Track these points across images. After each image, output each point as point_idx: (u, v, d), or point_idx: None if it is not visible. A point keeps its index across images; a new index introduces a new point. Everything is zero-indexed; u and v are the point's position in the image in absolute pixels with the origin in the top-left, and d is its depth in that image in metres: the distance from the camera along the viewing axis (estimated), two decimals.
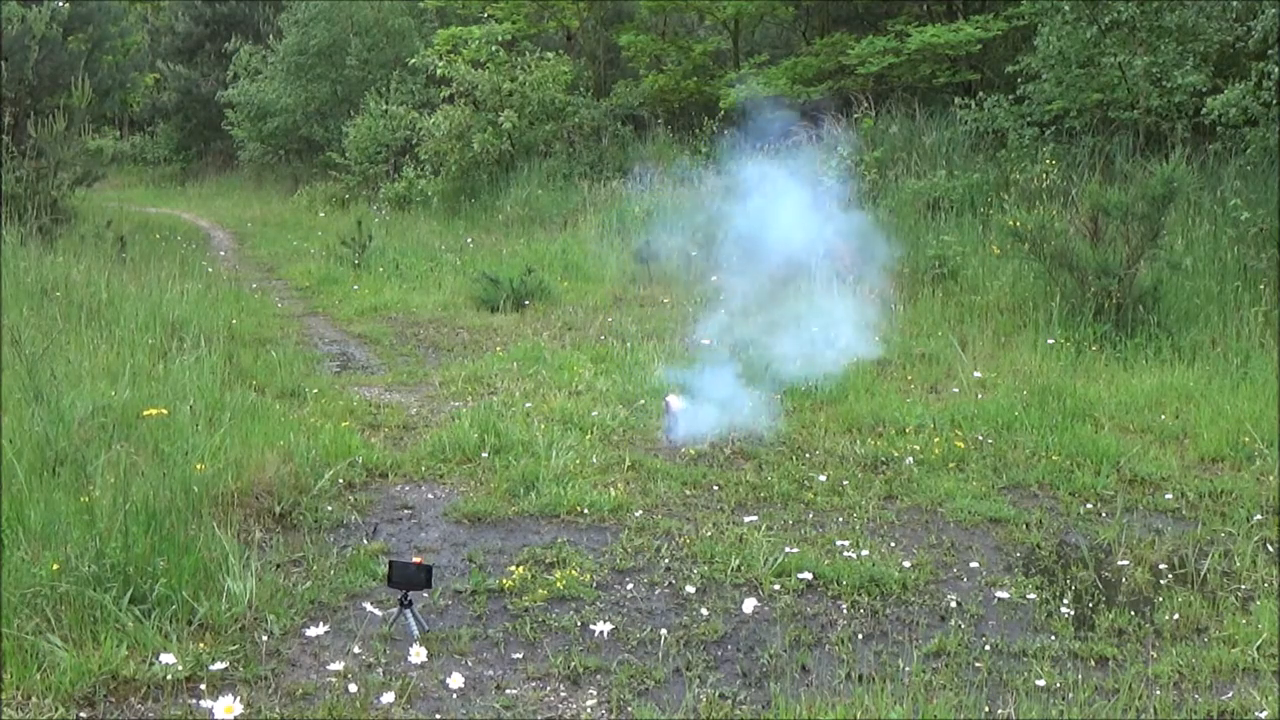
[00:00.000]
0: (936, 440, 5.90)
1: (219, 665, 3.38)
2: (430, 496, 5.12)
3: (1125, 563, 4.44)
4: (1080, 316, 8.17)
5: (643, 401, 6.54)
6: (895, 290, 9.40)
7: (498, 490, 5.10)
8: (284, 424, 5.59)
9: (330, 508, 4.85)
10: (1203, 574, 4.30)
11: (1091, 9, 11.28)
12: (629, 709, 3.30)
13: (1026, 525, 4.87)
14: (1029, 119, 12.51)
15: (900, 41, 14.67)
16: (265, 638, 3.59)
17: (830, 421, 6.30)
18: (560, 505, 4.90)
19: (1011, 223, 9.07)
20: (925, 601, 4.09)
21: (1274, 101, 9.92)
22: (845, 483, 5.35)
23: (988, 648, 3.70)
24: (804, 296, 9.04)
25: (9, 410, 4.90)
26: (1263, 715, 3.27)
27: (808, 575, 4.21)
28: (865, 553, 4.43)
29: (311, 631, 3.61)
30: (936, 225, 11.39)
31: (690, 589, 4.12)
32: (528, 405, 6.48)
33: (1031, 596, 4.11)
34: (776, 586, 4.15)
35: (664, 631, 3.76)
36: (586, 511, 4.87)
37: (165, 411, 5.01)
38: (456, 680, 3.32)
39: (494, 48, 17.90)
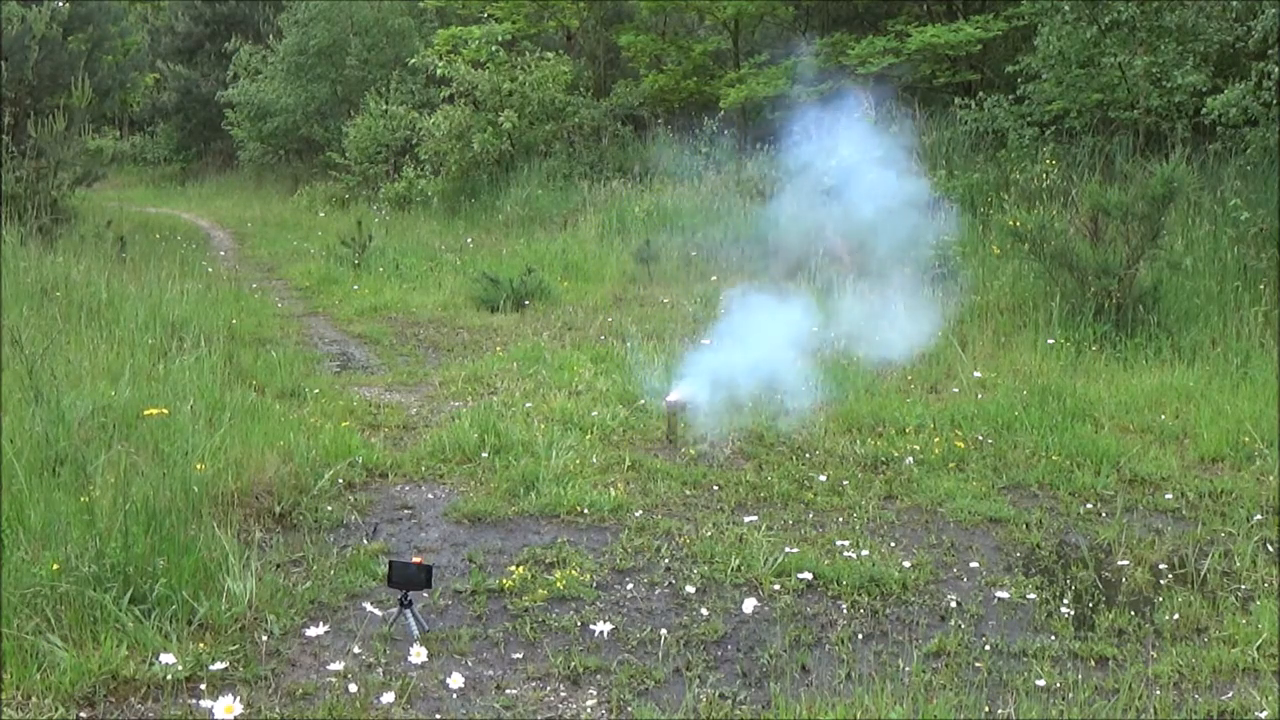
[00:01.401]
0: (936, 440, 5.90)
1: (219, 665, 3.37)
2: (430, 496, 5.12)
3: (1125, 563, 4.44)
4: (1080, 316, 8.18)
5: (643, 401, 6.54)
6: (896, 289, 9.40)
7: (498, 490, 5.10)
8: (284, 424, 5.59)
9: (330, 508, 4.84)
10: (1203, 574, 4.30)
11: (1091, 9, 11.28)
12: (629, 709, 3.30)
13: (1026, 525, 4.87)
14: (1029, 119, 12.51)
15: (900, 41, 14.67)
16: (265, 638, 3.59)
17: (830, 421, 6.30)
18: (560, 505, 4.90)
19: (1011, 223, 9.07)
20: (925, 601, 4.08)
21: (1274, 101, 9.92)
22: (845, 483, 5.35)
23: (988, 648, 3.70)
24: (804, 295, 9.04)
25: (9, 410, 4.90)
26: (1263, 715, 3.27)
27: (808, 575, 4.21)
28: (865, 553, 4.43)
29: (311, 631, 3.60)
30: (936, 225, 11.39)
31: (690, 589, 4.12)
32: (528, 405, 6.48)
33: (1031, 596, 4.11)
34: (776, 586, 4.15)
35: (664, 631, 3.76)
36: (586, 511, 4.87)
37: (165, 411, 5.01)
38: (456, 680, 3.32)
39: (494, 48, 17.91)
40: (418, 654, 3.30)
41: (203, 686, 3.29)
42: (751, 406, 6.40)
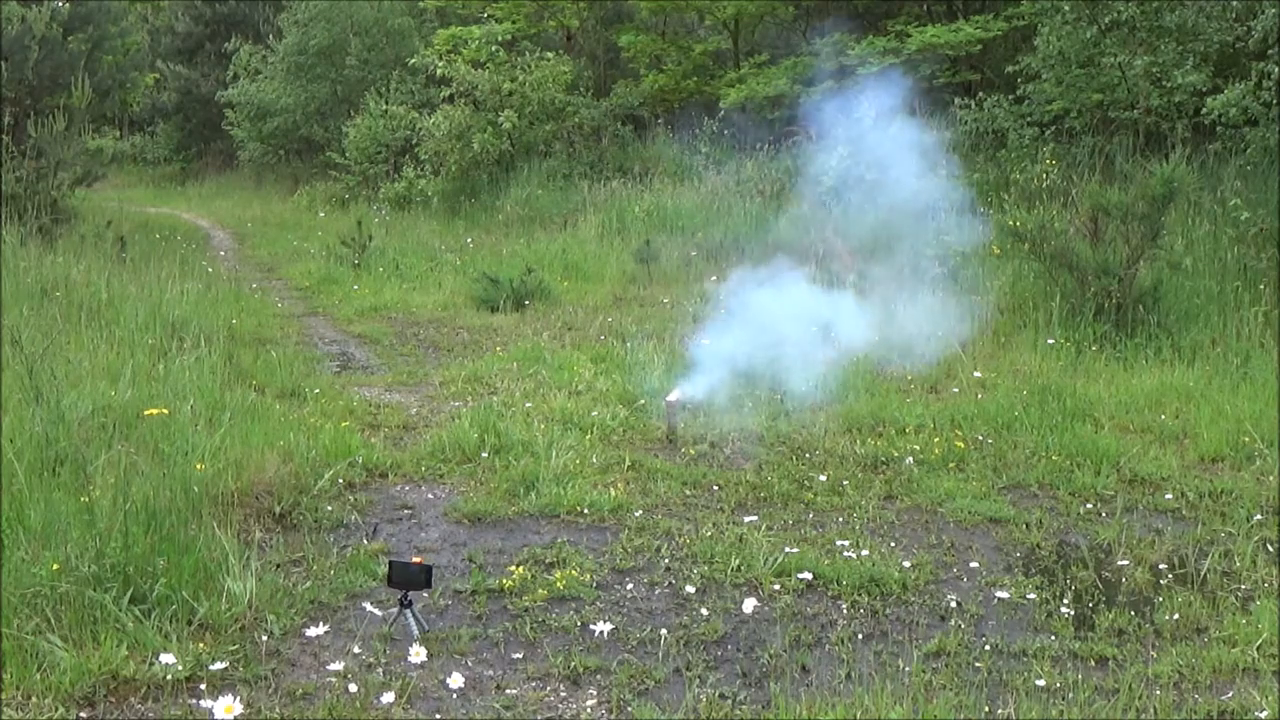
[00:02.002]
0: (936, 440, 5.90)
1: (219, 665, 3.38)
2: (430, 496, 5.12)
3: (1125, 563, 4.44)
4: (1080, 316, 8.17)
5: (643, 401, 6.54)
6: (895, 289, 9.40)
7: (498, 490, 5.10)
8: (284, 424, 5.58)
9: (330, 508, 4.85)
10: (1203, 574, 4.30)
11: (1091, 9, 11.29)
12: (629, 709, 3.30)
13: (1026, 525, 4.87)
14: (1029, 119, 12.52)
15: (900, 42, 14.67)
16: (265, 638, 3.59)
17: (830, 421, 6.30)
18: (560, 505, 4.90)
19: (1011, 223, 9.06)
20: (925, 601, 4.08)
21: (1274, 101, 9.92)
22: (845, 483, 5.35)
23: (988, 648, 3.70)
24: (805, 295, 9.04)
25: (9, 410, 4.90)
26: (1263, 715, 3.27)
27: (808, 575, 4.20)
28: (865, 553, 4.43)
29: (311, 631, 3.61)
30: (936, 225, 11.39)
31: (690, 589, 4.12)
32: (528, 405, 6.48)
33: (1031, 596, 4.11)
34: (776, 586, 4.15)
35: (664, 631, 3.76)
36: (586, 511, 4.87)
37: (165, 411, 5.01)
38: (456, 680, 3.33)
39: (494, 48, 17.91)
40: (418, 654, 3.30)
41: (203, 686, 3.29)
42: (751, 406, 6.40)
